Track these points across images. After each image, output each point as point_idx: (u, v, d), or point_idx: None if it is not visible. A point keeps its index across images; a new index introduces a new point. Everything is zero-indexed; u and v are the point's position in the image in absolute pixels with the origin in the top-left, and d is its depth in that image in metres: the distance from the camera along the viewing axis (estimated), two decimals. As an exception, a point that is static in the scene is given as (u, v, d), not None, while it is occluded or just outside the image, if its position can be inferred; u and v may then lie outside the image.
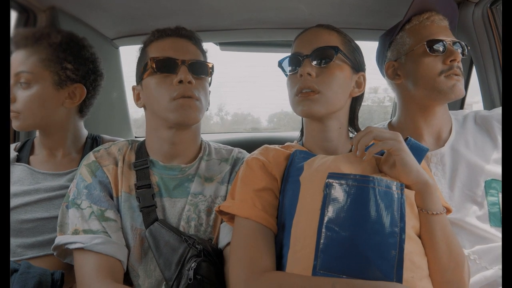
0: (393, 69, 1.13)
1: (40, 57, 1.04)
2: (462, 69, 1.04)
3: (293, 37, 0.99)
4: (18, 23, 1.36)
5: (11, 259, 0.93)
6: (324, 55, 0.90)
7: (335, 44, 0.91)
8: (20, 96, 1.03)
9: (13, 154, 1.09)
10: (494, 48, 1.35)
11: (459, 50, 1.04)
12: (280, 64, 0.97)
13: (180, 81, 0.92)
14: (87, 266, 0.85)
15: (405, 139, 0.83)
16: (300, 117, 0.98)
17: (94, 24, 1.54)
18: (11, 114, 1.03)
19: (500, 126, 1.07)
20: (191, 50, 0.98)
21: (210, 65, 1.01)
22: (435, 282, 0.78)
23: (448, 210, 0.85)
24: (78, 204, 0.91)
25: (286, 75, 0.97)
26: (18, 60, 1.03)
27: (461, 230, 0.97)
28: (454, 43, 1.04)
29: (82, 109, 1.15)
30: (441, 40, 1.03)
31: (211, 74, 1.02)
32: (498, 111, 1.13)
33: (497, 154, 1.05)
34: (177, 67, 0.94)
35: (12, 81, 1.03)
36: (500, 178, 1.01)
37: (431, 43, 1.03)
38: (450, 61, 1.02)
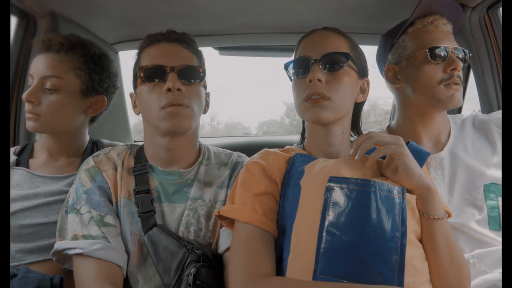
0: (393, 72, 1.12)
1: (73, 65, 1.05)
2: (462, 78, 1.04)
3: (291, 42, 0.97)
4: (18, 29, 1.36)
5: (10, 264, 0.92)
6: (334, 61, 0.88)
7: (345, 49, 0.90)
8: (45, 100, 1.02)
9: (12, 158, 1.09)
10: (491, 52, 1.36)
11: (461, 56, 1.03)
12: (286, 67, 0.95)
13: (169, 89, 0.90)
14: (87, 272, 0.84)
15: (407, 143, 0.83)
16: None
17: (94, 29, 1.54)
18: (30, 115, 1.02)
19: (498, 130, 1.07)
20: (182, 55, 0.95)
21: (202, 70, 0.98)
22: (436, 287, 0.78)
23: (448, 215, 0.85)
24: (78, 209, 0.91)
25: (291, 79, 0.95)
26: (48, 63, 1.03)
27: (461, 234, 0.97)
28: (456, 49, 1.03)
29: (94, 119, 1.18)
30: (443, 47, 1.02)
31: (203, 78, 0.99)
32: (496, 115, 1.13)
33: (496, 158, 1.05)
34: (166, 75, 0.91)
35: (36, 83, 1.02)
36: (499, 182, 1.01)
37: (433, 50, 1.02)
38: (451, 70, 1.01)
